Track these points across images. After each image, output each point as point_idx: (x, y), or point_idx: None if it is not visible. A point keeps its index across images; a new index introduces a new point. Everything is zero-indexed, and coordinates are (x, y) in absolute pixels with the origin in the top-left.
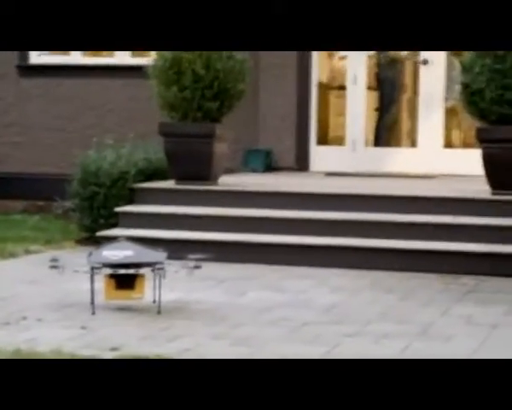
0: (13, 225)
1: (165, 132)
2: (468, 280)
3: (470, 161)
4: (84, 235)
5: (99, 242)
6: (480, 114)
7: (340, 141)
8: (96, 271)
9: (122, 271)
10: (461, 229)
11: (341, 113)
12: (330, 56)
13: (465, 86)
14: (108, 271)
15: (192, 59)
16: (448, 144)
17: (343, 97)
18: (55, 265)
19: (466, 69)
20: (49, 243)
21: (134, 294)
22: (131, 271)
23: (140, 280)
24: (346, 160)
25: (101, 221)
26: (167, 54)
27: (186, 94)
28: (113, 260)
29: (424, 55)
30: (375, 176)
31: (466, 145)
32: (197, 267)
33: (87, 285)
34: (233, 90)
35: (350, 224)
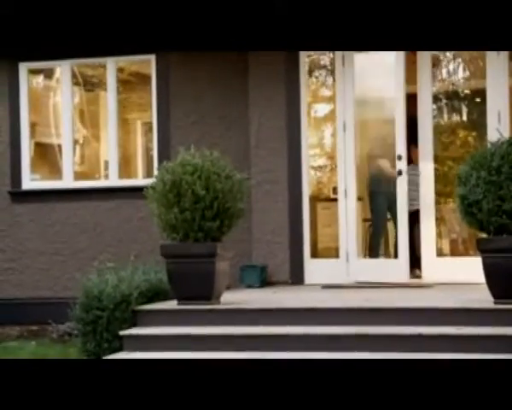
0: (11, 353)
1: (167, 254)
2: None
3: (464, 270)
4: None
5: None
6: (479, 224)
7: (333, 252)
8: None
9: None
10: (466, 340)
11: (332, 224)
12: (318, 169)
13: (462, 198)
14: None
15: (191, 181)
16: (441, 253)
17: (333, 208)
18: None
19: (462, 181)
20: None
21: None
22: None
23: None
24: (341, 272)
25: (105, 345)
26: (167, 177)
27: (186, 215)
28: None
29: (399, 166)
30: (370, 287)
31: (458, 254)
32: None
33: None
34: (233, 210)
35: (357, 338)
